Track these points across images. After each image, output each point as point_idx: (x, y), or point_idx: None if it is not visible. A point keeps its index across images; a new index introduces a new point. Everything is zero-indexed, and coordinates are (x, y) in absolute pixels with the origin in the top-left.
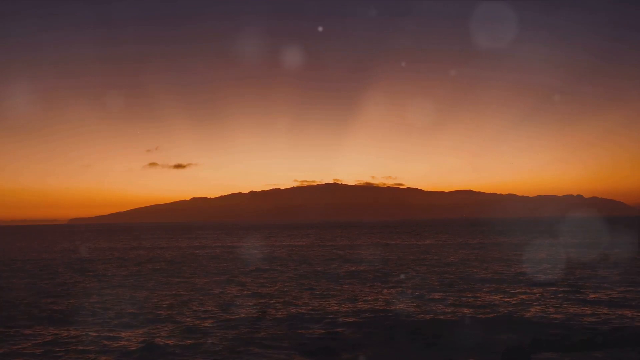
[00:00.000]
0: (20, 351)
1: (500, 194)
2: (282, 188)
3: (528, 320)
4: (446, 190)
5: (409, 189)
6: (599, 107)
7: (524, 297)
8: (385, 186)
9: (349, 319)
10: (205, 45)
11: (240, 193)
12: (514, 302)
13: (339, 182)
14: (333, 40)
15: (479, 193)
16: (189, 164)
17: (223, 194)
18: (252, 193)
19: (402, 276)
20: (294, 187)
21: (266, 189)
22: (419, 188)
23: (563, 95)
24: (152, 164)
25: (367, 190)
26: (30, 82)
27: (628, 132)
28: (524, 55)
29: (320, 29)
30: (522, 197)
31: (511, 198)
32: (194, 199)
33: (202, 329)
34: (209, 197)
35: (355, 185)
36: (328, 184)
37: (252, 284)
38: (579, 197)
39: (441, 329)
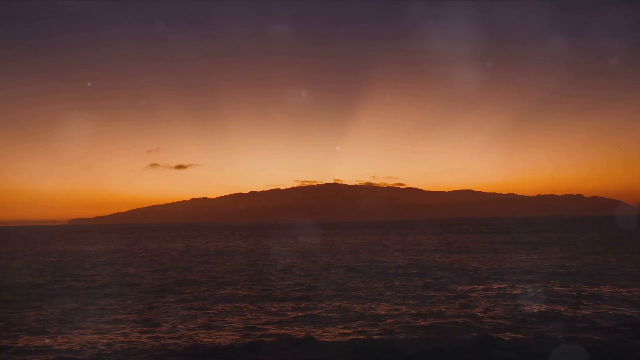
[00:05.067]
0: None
1: (501, 194)
2: (282, 188)
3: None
4: (446, 190)
5: (409, 188)
6: (598, 107)
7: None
8: (385, 186)
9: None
10: (206, 46)
11: (240, 193)
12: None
13: (340, 182)
14: (333, 40)
15: (479, 193)
16: (190, 165)
17: (223, 195)
18: (252, 193)
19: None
20: (294, 187)
21: (266, 189)
22: (419, 188)
23: (562, 94)
24: (154, 165)
25: (367, 190)
26: (31, 84)
27: (627, 132)
28: (524, 55)
29: (320, 31)
30: (522, 196)
31: (511, 198)
32: (194, 200)
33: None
34: (209, 197)
35: (355, 185)
36: (328, 184)
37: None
38: (579, 196)
39: (438, 329)
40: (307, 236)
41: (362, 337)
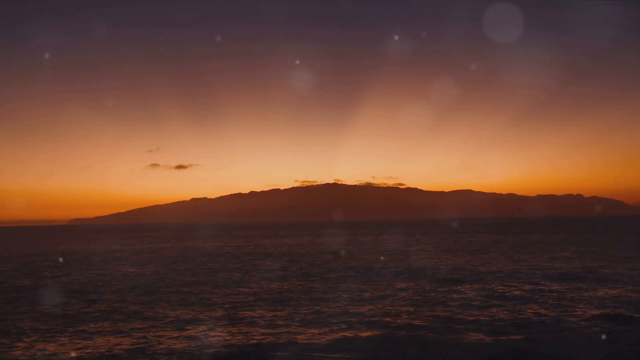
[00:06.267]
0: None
1: (500, 194)
2: (282, 188)
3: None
4: (446, 190)
5: (409, 188)
6: (598, 106)
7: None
8: (385, 186)
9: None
10: (206, 46)
11: (240, 193)
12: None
13: (340, 182)
14: (332, 40)
15: (479, 193)
16: (190, 165)
17: (223, 194)
18: (252, 193)
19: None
20: (294, 187)
21: (266, 189)
22: (419, 188)
23: (562, 94)
24: (154, 165)
25: (367, 190)
26: (32, 84)
27: (627, 132)
28: (524, 55)
29: (318, 30)
30: (522, 196)
31: (511, 198)
32: (194, 200)
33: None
34: (209, 197)
35: (355, 185)
36: (328, 184)
37: None
38: (579, 196)
39: (436, 329)
40: (306, 237)
41: (357, 338)
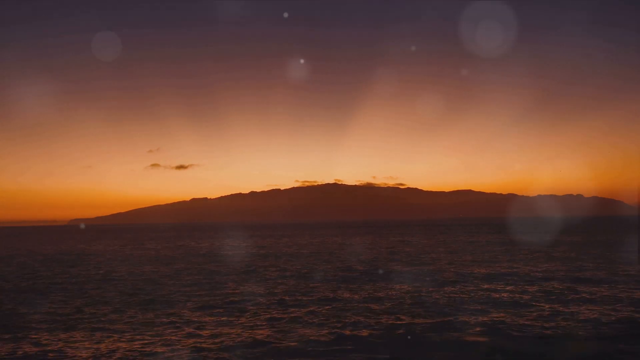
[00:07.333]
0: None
1: (501, 194)
2: (282, 188)
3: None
4: (446, 190)
5: (409, 188)
6: (598, 106)
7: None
8: (385, 186)
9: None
10: (206, 47)
11: (240, 193)
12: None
13: (340, 183)
14: (333, 41)
15: (479, 193)
16: (191, 165)
17: (223, 195)
18: (252, 193)
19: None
20: (294, 188)
21: (266, 189)
22: (419, 188)
23: (562, 94)
24: (154, 165)
25: (367, 190)
26: (32, 85)
27: (627, 132)
28: (523, 56)
29: (319, 31)
30: (522, 196)
31: (511, 198)
32: (194, 200)
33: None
34: (209, 197)
35: (355, 185)
36: (328, 184)
37: None
38: (579, 196)
39: (436, 330)
40: (306, 237)
41: (357, 338)
